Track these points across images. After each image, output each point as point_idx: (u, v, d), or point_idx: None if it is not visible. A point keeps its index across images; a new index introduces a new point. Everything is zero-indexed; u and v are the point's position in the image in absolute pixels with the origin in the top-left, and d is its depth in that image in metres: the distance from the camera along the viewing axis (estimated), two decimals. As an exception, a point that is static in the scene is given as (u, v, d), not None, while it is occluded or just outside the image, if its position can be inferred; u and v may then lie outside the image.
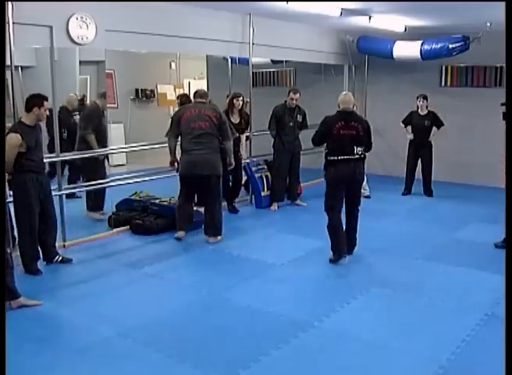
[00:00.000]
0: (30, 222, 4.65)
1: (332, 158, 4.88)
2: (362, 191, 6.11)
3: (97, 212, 6.33)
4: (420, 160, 7.94)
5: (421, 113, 7.79)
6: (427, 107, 7.77)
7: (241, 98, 6.66)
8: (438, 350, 3.47)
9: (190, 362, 3.27)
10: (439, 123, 7.78)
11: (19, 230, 4.72)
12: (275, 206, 7.18)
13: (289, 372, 3.25)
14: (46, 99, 4.60)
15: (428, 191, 7.94)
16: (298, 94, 7.01)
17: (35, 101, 4.52)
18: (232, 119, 6.63)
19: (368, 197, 7.52)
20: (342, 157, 4.83)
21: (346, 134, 4.84)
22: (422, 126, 7.76)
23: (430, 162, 7.88)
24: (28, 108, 4.53)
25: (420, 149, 7.86)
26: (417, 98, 7.83)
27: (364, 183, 6.95)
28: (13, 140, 4.40)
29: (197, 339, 3.57)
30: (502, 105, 7.74)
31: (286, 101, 7.10)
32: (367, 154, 5.02)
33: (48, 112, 4.68)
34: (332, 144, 4.89)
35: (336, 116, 4.92)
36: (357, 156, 4.86)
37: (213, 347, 3.47)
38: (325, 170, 4.99)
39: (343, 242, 5.02)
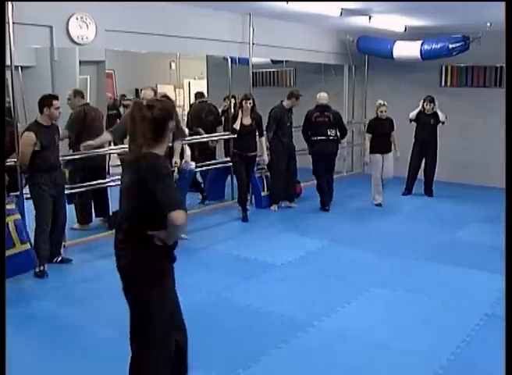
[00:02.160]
0: (43, 220, 4.70)
1: (313, 138, 6.99)
2: (372, 199, 7.28)
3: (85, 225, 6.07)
4: (424, 160, 7.88)
5: (428, 113, 7.73)
6: (433, 108, 7.68)
7: (251, 101, 6.50)
8: (438, 350, 3.47)
9: (190, 362, 3.27)
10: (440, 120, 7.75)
11: (35, 227, 4.79)
12: (275, 207, 7.15)
13: (289, 372, 3.25)
14: (55, 98, 4.69)
15: (428, 191, 7.92)
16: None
17: (45, 101, 4.64)
18: (244, 121, 6.50)
19: (379, 205, 7.28)
20: (319, 138, 6.92)
21: (320, 121, 6.94)
22: (428, 124, 7.69)
23: (434, 162, 7.82)
24: (40, 109, 4.65)
25: (425, 149, 7.78)
26: (424, 100, 7.72)
27: (374, 191, 7.27)
28: (27, 138, 4.56)
29: (197, 339, 3.56)
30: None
31: (282, 102, 7.07)
32: (344, 137, 7.36)
33: (60, 110, 4.75)
34: (312, 128, 6.98)
35: (314, 108, 7.03)
36: (330, 137, 6.95)
37: (213, 347, 3.47)
38: (310, 147, 7.12)
39: (327, 197, 7.11)
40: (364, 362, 3.35)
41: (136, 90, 10.11)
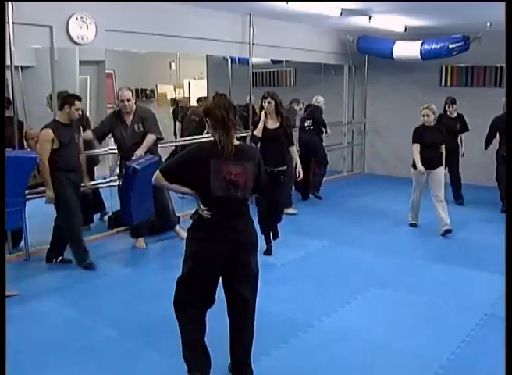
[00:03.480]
0: (71, 219, 4.76)
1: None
2: (440, 227, 5.89)
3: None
4: (448, 169, 7.12)
5: (452, 116, 7.26)
6: (456, 110, 7.28)
7: (269, 99, 5.25)
8: (438, 350, 3.47)
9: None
10: (465, 128, 7.34)
11: (63, 226, 4.86)
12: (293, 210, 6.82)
13: (289, 372, 3.25)
14: (78, 99, 4.68)
15: (458, 198, 7.45)
16: None
17: (67, 99, 4.65)
18: (269, 126, 5.30)
19: (448, 231, 5.85)
20: (300, 129, 7.54)
21: (303, 116, 7.70)
22: (453, 129, 7.13)
23: (457, 167, 7.42)
24: (60, 106, 4.68)
25: (448, 155, 6.41)
26: (446, 103, 7.27)
27: (409, 210, 6.28)
28: (45, 134, 4.60)
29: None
30: None
31: (291, 103, 7.29)
32: (325, 128, 7.72)
33: (80, 112, 4.75)
34: (300, 123, 7.60)
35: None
36: (307, 128, 7.52)
37: (213, 347, 3.46)
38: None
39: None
40: (364, 362, 3.35)
41: (137, 90, 10.10)
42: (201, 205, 2.76)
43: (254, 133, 5.31)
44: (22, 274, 4.64)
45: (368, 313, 4.03)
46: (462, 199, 7.46)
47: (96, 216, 6.24)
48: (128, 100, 5.19)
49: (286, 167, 5.29)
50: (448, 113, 7.30)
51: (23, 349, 3.43)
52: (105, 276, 4.78)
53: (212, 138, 2.77)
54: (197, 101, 8.42)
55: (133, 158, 4.97)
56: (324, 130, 7.79)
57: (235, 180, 2.72)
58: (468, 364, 3.32)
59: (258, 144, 5.18)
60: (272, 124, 5.27)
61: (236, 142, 2.77)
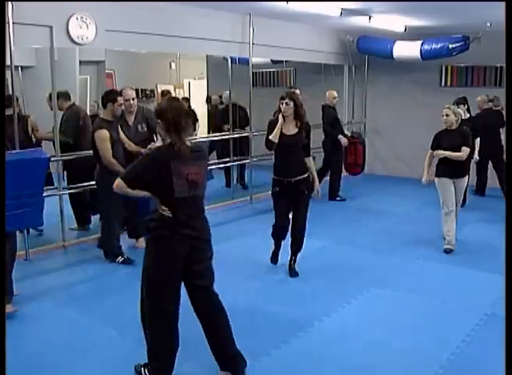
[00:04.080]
0: (114, 215, 4.89)
1: None
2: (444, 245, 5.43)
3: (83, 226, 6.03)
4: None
5: (463, 118, 6.38)
6: (469, 111, 7.03)
7: (287, 100, 4.51)
8: (438, 350, 3.47)
9: (190, 362, 3.27)
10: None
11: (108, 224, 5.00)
12: None
13: (289, 372, 3.25)
14: (120, 95, 4.80)
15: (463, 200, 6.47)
16: None
17: (110, 96, 4.73)
18: (285, 130, 4.59)
19: (449, 251, 5.41)
20: None
21: None
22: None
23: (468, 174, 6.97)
24: (104, 104, 4.74)
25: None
26: (454, 104, 6.74)
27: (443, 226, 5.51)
28: (102, 134, 4.64)
29: (197, 339, 3.56)
30: (489, 101, 7.75)
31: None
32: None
33: (123, 107, 4.83)
34: None
35: None
36: None
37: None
38: None
39: None
40: (364, 362, 3.35)
41: (137, 90, 10.10)
42: (162, 206, 2.83)
43: (270, 137, 4.63)
44: (22, 274, 4.63)
45: (368, 313, 4.03)
46: (465, 203, 7.15)
47: (96, 217, 6.24)
48: (133, 99, 5.23)
49: (307, 175, 4.65)
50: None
51: (23, 349, 3.43)
52: (105, 276, 4.78)
53: (167, 141, 2.84)
54: (162, 94, 8.42)
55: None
56: (333, 132, 7.48)
57: (195, 180, 2.85)
58: (468, 364, 3.32)
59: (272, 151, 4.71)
60: (290, 129, 4.57)
61: (188, 143, 2.87)
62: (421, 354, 3.42)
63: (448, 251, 5.36)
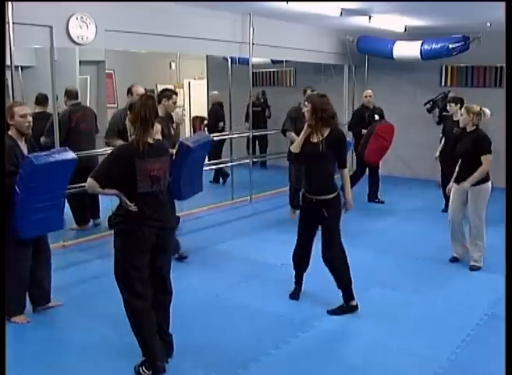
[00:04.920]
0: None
1: None
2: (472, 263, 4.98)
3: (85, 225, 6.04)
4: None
5: (455, 118, 6.40)
6: (457, 111, 6.36)
7: (305, 103, 4.10)
8: (438, 350, 3.47)
9: (190, 362, 3.27)
10: None
11: None
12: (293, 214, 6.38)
13: (289, 372, 3.25)
14: (175, 93, 4.94)
15: None
16: None
17: (165, 93, 4.87)
18: (311, 137, 3.93)
19: (454, 259, 5.16)
20: None
21: None
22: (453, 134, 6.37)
23: None
24: (158, 100, 4.80)
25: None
26: (448, 101, 6.80)
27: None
28: (157, 127, 4.62)
29: (197, 339, 3.57)
30: (425, 104, 7.83)
31: (300, 104, 6.09)
32: None
33: (176, 105, 4.94)
34: None
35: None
36: None
37: (213, 347, 3.47)
38: None
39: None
40: (364, 361, 3.35)
41: (144, 89, 10.09)
42: (127, 202, 2.97)
43: (290, 148, 4.13)
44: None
45: (368, 313, 4.03)
46: None
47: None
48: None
49: (331, 196, 3.93)
50: (453, 116, 6.55)
51: (23, 349, 3.43)
52: (105, 276, 4.77)
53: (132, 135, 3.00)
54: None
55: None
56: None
57: (157, 176, 3.00)
58: (468, 364, 3.33)
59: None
60: (315, 136, 3.90)
61: (152, 140, 3.01)
62: (421, 354, 3.42)
63: (455, 260, 5.12)
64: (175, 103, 4.94)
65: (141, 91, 5.19)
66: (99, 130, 6.00)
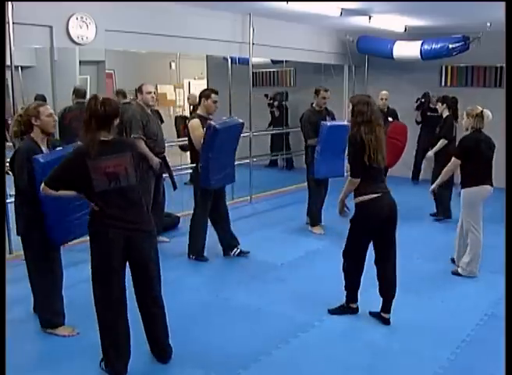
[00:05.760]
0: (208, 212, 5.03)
1: None
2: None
3: None
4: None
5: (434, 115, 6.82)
6: (450, 110, 6.52)
7: (347, 106, 4.43)
8: (438, 350, 3.47)
9: (190, 362, 3.28)
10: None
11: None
12: (320, 230, 6.16)
13: (289, 372, 3.25)
14: (214, 92, 4.96)
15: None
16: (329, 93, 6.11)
17: (204, 93, 4.97)
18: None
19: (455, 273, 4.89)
20: None
21: None
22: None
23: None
24: (198, 101, 4.96)
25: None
26: (437, 101, 6.81)
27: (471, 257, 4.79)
28: (195, 123, 4.84)
29: (197, 339, 3.57)
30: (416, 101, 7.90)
31: (312, 104, 6.15)
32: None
33: (217, 105, 4.94)
34: None
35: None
36: None
37: (213, 347, 3.47)
38: None
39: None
40: (364, 361, 3.35)
41: (137, 90, 10.09)
42: (89, 202, 2.99)
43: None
44: (21, 274, 4.63)
45: (368, 313, 4.03)
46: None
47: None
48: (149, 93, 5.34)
49: (358, 201, 3.72)
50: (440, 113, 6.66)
51: (23, 349, 3.44)
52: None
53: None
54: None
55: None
56: None
57: (114, 172, 2.93)
58: (468, 364, 3.33)
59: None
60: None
61: (108, 138, 2.97)
62: (421, 354, 3.42)
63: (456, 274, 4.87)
64: (215, 102, 4.92)
65: (151, 89, 5.33)
66: None
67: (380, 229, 3.71)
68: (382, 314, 3.85)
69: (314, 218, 6.17)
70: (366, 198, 3.63)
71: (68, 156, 3.00)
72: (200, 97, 4.99)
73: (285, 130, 9.62)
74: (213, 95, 4.92)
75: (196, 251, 5.15)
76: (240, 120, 5.09)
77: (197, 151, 4.87)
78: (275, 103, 9.87)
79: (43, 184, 2.99)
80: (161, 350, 3.24)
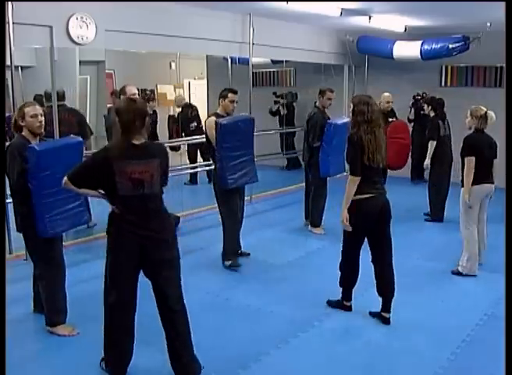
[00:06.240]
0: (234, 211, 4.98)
1: None
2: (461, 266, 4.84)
3: None
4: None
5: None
6: (435, 111, 6.50)
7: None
8: (438, 350, 3.47)
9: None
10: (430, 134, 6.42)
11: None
12: (320, 230, 6.18)
13: (289, 372, 3.25)
14: (232, 92, 4.92)
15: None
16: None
17: (222, 93, 4.94)
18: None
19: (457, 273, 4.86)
20: None
21: None
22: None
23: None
24: (218, 103, 4.94)
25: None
26: (425, 103, 6.79)
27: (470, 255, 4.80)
28: (210, 120, 4.81)
29: (197, 339, 3.56)
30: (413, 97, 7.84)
31: (315, 104, 6.10)
32: None
33: (235, 104, 4.93)
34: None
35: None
36: None
37: (213, 347, 3.46)
38: None
39: None
40: (364, 361, 3.35)
41: (137, 90, 10.08)
42: (109, 203, 2.94)
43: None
44: (21, 274, 4.63)
45: (368, 313, 4.03)
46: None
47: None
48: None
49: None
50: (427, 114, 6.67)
51: (23, 349, 3.44)
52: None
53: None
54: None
55: None
56: None
57: (139, 179, 2.85)
58: (468, 364, 3.33)
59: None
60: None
61: (139, 142, 2.89)
62: (421, 354, 3.42)
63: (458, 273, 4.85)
64: (232, 102, 4.88)
65: (134, 91, 5.16)
66: (87, 133, 5.88)
67: (373, 227, 3.76)
68: (383, 314, 3.87)
69: (317, 219, 6.16)
70: (361, 197, 3.68)
71: (95, 155, 2.96)
72: (219, 97, 4.97)
73: (285, 130, 9.62)
74: (230, 95, 4.88)
75: (230, 255, 4.97)
76: (247, 115, 5.10)
77: (214, 151, 4.84)
78: (283, 101, 9.84)
79: (65, 178, 2.94)
80: (184, 366, 3.10)
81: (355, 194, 3.69)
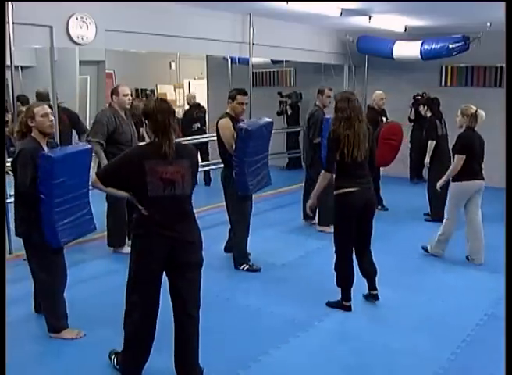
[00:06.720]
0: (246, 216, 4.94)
1: None
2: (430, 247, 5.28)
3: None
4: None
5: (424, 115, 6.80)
6: (432, 111, 6.55)
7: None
8: (438, 350, 3.47)
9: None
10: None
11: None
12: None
13: (289, 372, 3.25)
14: (241, 93, 4.72)
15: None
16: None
17: (231, 94, 4.76)
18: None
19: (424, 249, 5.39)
20: None
21: None
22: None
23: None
24: (228, 101, 4.81)
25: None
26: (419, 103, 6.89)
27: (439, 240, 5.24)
28: (226, 122, 4.67)
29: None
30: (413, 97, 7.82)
31: (315, 103, 6.17)
32: None
33: (244, 107, 4.80)
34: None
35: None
36: None
37: (213, 347, 3.46)
38: None
39: None
40: (364, 361, 3.35)
41: (137, 90, 10.12)
42: (138, 205, 2.85)
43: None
44: (21, 274, 4.63)
45: (368, 313, 4.03)
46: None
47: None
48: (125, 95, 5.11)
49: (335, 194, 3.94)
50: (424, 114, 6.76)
51: (23, 349, 3.44)
52: (103, 277, 4.78)
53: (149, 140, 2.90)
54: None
55: None
56: None
57: (171, 179, 2.81)
58: (468, 364, 3.33)
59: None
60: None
61: (172, 142, 2.84)
62: (421, 354, 3.42)
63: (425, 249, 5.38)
64: (240, 104, 4.67)
65: (127, 91, 5.11)
66: (83, 128, 5.92)
67: (357, 220, 3.90)
68: (371, 292, 4.16)
69: (329, 217, 5.90)
70: (344, 190, 3.84)
71: (126, 153, 2.90)
72: (229, 98, 4.78)
73: (284, 130, 9.63)
74: (239, 97, 4.66)
75: (243, 259, 4.92)
76: (269, 119, 4.95)
77: (229, 154, 4.64)
78: (289, 101, 9.85)
79: (94, 176, 2.89)
80: (188, 370, 3.08)
81: (338, 189, 3.86)
